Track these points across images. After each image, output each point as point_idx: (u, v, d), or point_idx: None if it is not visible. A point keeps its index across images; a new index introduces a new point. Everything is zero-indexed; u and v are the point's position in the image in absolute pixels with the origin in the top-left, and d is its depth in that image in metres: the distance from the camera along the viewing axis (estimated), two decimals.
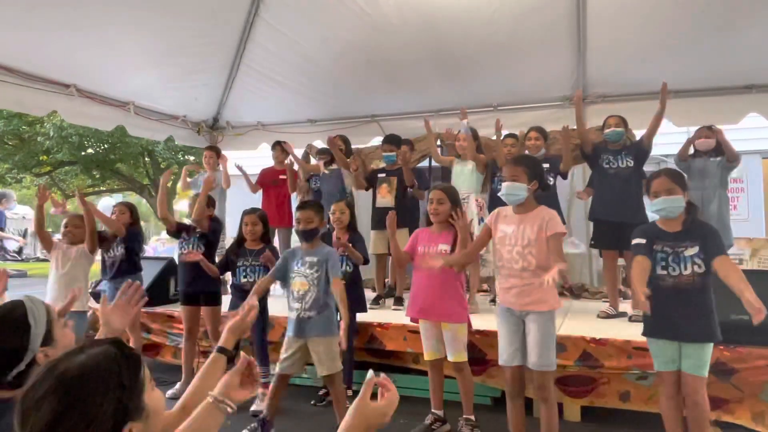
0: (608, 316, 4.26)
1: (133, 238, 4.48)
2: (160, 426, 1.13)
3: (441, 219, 3.28)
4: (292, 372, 3.30)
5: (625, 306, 4.39)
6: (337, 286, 3.21)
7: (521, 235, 2.79)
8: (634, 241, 2.77)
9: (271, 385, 3.31)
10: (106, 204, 17.99)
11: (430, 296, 3.25)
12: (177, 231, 4.28)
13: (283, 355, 3.26)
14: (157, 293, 4.94)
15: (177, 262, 4.41)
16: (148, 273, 4.87)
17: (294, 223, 3.37)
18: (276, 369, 3.27)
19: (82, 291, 3.98)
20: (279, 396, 3.31)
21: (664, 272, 2.65)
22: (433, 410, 3.35)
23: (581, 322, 4.03)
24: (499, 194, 2.93)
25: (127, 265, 4.39)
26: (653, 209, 2.75)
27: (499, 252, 2.90)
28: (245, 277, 3.86)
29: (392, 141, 5.11)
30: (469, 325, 3.36)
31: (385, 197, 4.90)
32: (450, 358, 3.23)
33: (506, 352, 2.87)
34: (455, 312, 3.22)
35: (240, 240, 3.96)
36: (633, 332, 3.29)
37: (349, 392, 3.84)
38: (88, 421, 0.96)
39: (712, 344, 2.60)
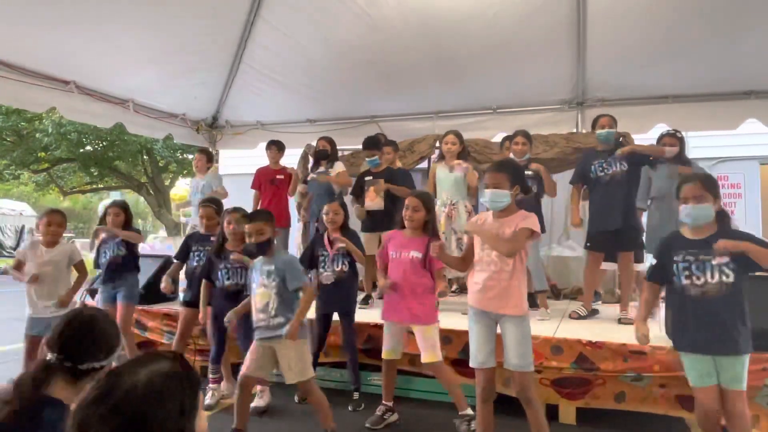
0: (579, 317, 4.24)
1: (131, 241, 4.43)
2: None
3: (415, 226, 3.40)
4: (258, 375, 3.20)
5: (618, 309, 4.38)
6: (306, 292, 3.18)
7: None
8: (652, 263, 2.75)
9: (235, 393, 3.20)
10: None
11: (397, 298, 3.36)
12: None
13: (248, 359, 3.16)
14: (154, 291, 4.93)
15: (185, 272, 4.30)
16: (145, 271, 4.86)
17: (246, 236, 3.23)
18: (242, 374, 3.15)
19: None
20: (246, 402, 3.20)
21: (688, 281, 2.57)
22: (383, 402, 3.53)
23: (577, 324, 4.03)
24: (482, 201, 2.94)
25: (127, 266, 4.38)
26: (681, 216, 2.66)
27: (478, 254, 2.88)
28: (228, 279, 3.76)
29: (371, 145, 4.98)
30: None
31: (374, 200, 4.88)
32: (422, 360, 3.31)
33: (481, 354, 2.83)
34: (423, 313, 3.31)
35: (221, 241, 3.84)
36: (629, 335, 3.28)
37: (356, 395, 3.85)
38: None
39: (747, 356, 2.52)
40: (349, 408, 3.73)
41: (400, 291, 3.35)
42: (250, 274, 3.37)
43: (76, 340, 1.49)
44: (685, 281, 2.59)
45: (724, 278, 2.50)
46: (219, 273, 3.79)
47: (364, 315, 4.21)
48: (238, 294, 3.76)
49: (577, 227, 4.57)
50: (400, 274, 3.35)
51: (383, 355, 3.48)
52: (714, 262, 2.52)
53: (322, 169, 5.33)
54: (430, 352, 3.27)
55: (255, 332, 3.21)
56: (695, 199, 2.57)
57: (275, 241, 3.35)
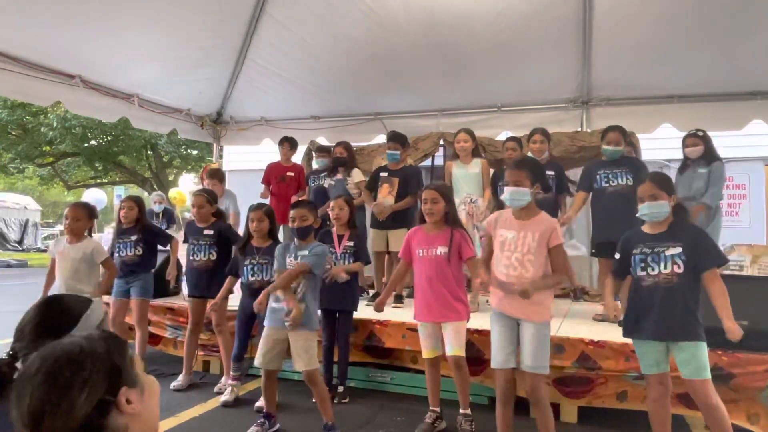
0: (603, 319, 4.25)
1: (150, 236, 4.43)
2: (155, 414, 1.09)
3: (436, 218, 3.28)
4: (274, 367, 3.26)
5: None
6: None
7: (522, 242, 2.78)
8: (616, 256, 2.84)
9: (261, 382, 3.31)
10: (93, 195, 17.96)
11: (432, 298, 3.25)
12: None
13: (262, 350, 3.22)
14: (158, 286, 4.94)
15: (185, 266, 4.35)
16: None
17: (289, 221, 3.35)
18: (258, 365, 3.23)
19: None
20: (272, 390, 3.31)
21: (644, 273, 2.68)
22: (431, 408, 3.35)
23: (580, 324, 4.03)
24: (501, 198, 2.92)
25: (142, 265, 4.37)
26: (639, 215, 2.76)
27: (498, 257, 2.87)
28: (253, 275, 3.75)
29: (398, 140, 5.01)
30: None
31: (386, 198, 4.88)
32: (449, 352, 3.20)
33: (501, 356, 2.84)
34: (456, 310, 3.22)
35: (247, 237, 3.87)
36: None
37: (341, 388, 3.87)
38: (82, 383, 0.94)
39: (703, 344, 2.58)
40: (335, 401, 3.74)
41: (433, 289, 3.23)
42: (280, 254, 3.37)
43: (46, 325, 1.40)
44: (640, 272, 2.70)
45: (675, 268, 2.60)
46: (244, 269, 3.79)
47: (368, 311, 4.20)
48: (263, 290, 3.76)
49: (564, 225, 4.51)
50: (432, 273, 3.24)
51: (424, 355, 3.32)
52: (668, 253, 2.62)
53: (339, 176, 5.30)
54: (459, 347, 3.19)
55: (268, 314, 3.25)
56: (650, 197, 2.68)
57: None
